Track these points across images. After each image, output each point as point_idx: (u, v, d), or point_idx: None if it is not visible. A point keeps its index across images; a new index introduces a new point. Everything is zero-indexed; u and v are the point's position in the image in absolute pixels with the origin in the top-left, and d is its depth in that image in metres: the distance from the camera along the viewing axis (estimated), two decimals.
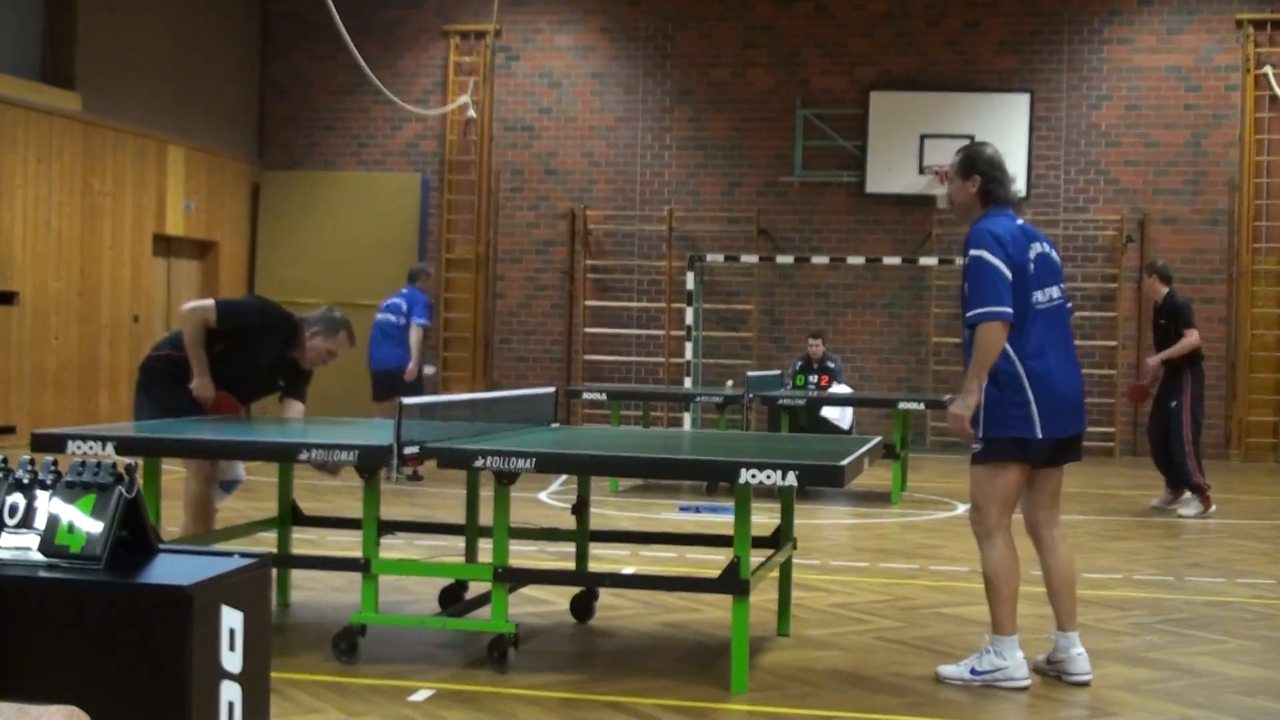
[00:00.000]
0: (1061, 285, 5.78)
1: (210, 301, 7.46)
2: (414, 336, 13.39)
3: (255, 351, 7.33)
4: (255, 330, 7.32)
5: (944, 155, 18.02)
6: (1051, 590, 5.75)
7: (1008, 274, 5.49)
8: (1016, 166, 17.82)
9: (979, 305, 5.51)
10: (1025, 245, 5.63)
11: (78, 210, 16.38)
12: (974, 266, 5.54)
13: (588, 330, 19.35)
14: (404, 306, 13.57)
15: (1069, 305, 5.86)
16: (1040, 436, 5.55)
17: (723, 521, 9.85)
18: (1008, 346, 5.51)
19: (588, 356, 19.36)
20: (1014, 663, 5.60)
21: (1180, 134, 18.07)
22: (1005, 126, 17.91)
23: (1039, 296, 5.61)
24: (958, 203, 5.86)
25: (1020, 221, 5.75)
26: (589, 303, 19.37)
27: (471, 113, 19.48)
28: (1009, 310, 5.48)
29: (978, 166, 5.75)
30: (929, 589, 7.99)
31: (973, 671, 5.64)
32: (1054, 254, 5.79)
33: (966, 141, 17.89)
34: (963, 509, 12.10)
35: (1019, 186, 6.36)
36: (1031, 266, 5.60)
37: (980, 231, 5.62)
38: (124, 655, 3.07)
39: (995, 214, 5.71)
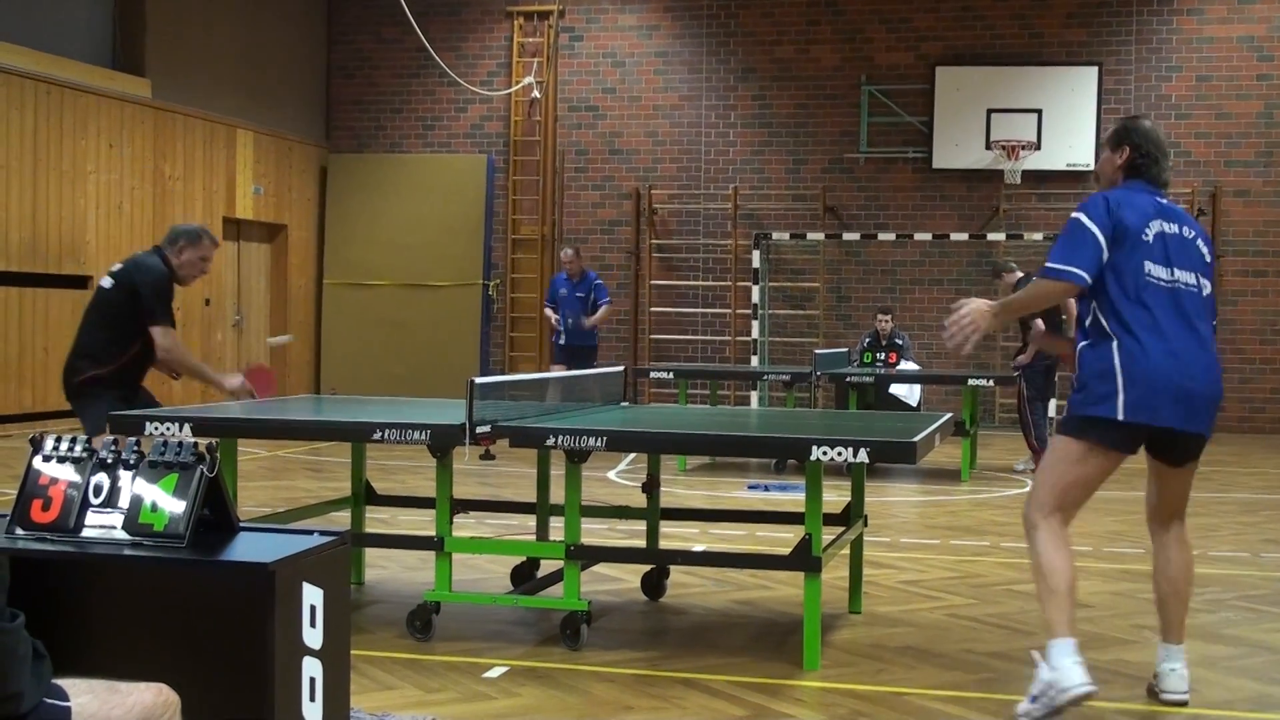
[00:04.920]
0: (1201, 275, 5.00)
1: (160, 325, 7.14)
2: None
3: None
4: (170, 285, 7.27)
5: (1011, 130, 17.89)
6: (1157, 598, 5.12)
7: (1100, 239, 4.86)
8: (1085, 140, 17.66)
9: (1051, 259, 4.94)
10: (1147, 217, 4.95)
11: (149, 195, 16.58)
12: (1067, 226, 5.00)
13: (654, 309, 19.37)
14: None
15: (1212, 300, 5.08)
16: (1121, 419, 4.80)
17: (791, 499, 9.85)
18: (1109, 318, 4.87)
19: (654, 336, 19.38)
20: (1064, 669, 4.68)
21: (1253, 105, 17.81)
22: (1074, 100, 17.75)
23: (1156, 271, 4.89)
24: (1103, 174, 5.25)
25: (1162, 201, 5.09)
26: (655, 282, 19.39)
27: (536, 93, 19.53)
28: (1079, 274, 4.85)
29: (1131, 138, 5.13)
30: (1000, 566, 7.95)
31: (1031, 700, 4.78)
32: (1199, 244, 5.04)
33: (1034, 115, 17.94)
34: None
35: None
36: (1148, 236, 4.90)
37: (1093, 196, 5.07)
38: (208, 632, 3.13)
39: (1133, 186, 5.09)
